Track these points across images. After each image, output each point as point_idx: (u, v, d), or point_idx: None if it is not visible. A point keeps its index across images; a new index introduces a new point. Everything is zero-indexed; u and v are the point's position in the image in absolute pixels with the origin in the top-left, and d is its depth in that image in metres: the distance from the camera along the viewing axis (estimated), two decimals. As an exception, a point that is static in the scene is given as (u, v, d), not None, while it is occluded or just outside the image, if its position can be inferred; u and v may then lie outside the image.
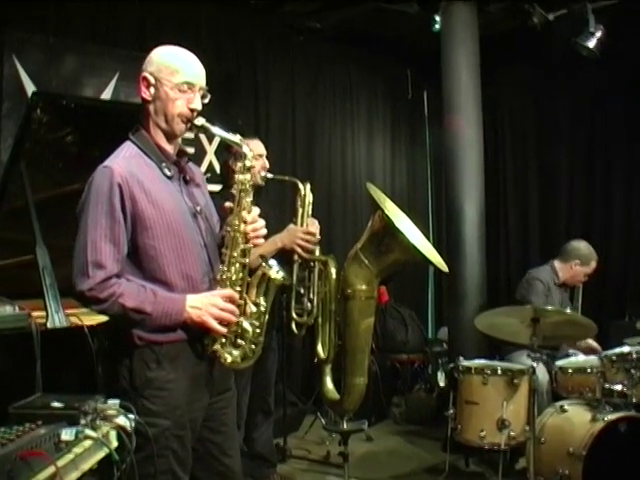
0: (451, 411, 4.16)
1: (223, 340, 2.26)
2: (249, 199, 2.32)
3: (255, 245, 2.33)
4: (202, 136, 5.28)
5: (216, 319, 2.20)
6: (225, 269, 2.28)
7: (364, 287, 3.08)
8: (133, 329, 2.17)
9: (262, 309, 2.34)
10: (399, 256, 3.01)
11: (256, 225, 2.33)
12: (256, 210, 2.35)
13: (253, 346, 2.32)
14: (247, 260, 2.30)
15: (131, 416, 2.01)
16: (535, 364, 3.59)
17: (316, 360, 3.30)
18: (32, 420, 1.81)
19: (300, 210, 3.46)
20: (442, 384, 5.71)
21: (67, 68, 4.81)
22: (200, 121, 2.28)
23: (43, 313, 2.83)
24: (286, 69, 6.45)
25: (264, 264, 2.37)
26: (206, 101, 2.31)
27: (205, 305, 2.19)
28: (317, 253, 3.40)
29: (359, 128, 7.15)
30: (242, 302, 2.29)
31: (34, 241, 2.93)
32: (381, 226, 2.99)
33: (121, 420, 1.99)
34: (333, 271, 3.26)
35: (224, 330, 2.23)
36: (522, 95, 7.10)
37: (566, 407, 3.91)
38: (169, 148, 2.31)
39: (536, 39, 5.90)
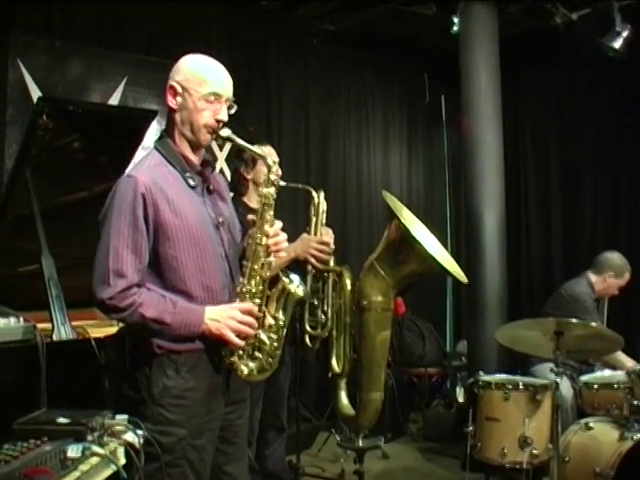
0: (470, 428, 4.13)
1: (240, 352, 2.32)
2: (272, 212, 2.39)
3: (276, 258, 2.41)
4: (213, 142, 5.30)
5: (234, 332, 2.26)
6: (245, 282, 2.34)
7: (380, 299, 3.07)
8: (152, 338, 2.24)
9: (281, 323, 2.39)
10: (416, 266, 3.00)
11: (278, 239, 2.39)
12: (278, 224, 2.42)
13: (270, 359, 2.38)
14: (268, 273, 2.37)
15: (139, 432, 2.02)
16: (559, 379, 3.56)
17: (330, 374, 3.29)
18: (37, 436, 1.82)
19: (314, 219, 3.45)
20: (461, 399, 5.68)
21: (73, 72, 4.84)
22: (226, 132, 2.36)
23: (49, 325, 2.84)
24: (299, 73, 6.47)
25: (285, 278, 2.42)
26: (232, 112, 2.38)
27: (224, 318, 2.26)
28: (331, 263, 3.39)
29: (375, 134, 7.15)
30: (261, 315, 2.36)
31: (40, 251, 2.94)
32: (397, 235, 2.98)
33: (129, 436, 2.00)
34: (348, 282, 3.25)
35: (242, 343, 2.29)
36: (544, 98, 7.06)
37: (592, 424, 3.87)
38: (194, 158, 2.39)
39: (559, 40, 5.87)
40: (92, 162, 3.16)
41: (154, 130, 5.19)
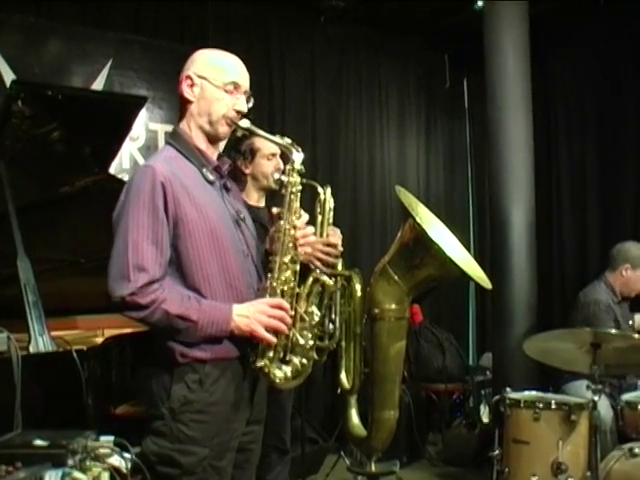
0: (497, 451, 4.11)
1: (271, 354, 2.35)
2: (298, 203, 2.52)
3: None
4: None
5: (265, 327, 2.30)
6: (275, 276, 2.40)
7: (394, 306, 3.06)
8: (174, 344, 2.27)
9: (316, 318, 2.49)
10: (434, 271, 2.99)
11: (307, 231, 2.53)
12: (305, 216, 2.54)
13: (305, 361, 2.44)
14: (297, 267, 2.46)
15: (127, 455, 2.01)
16: (596, 397, 3.55)
17: (339, 390, 3.28)
18: (10, 461, 1.81)
19: (320, 218, 3.42)
20: (486, 419, 5.67)
21: (52, 53, 4.85)
22: (245, 123, 2.45)
23: (25, 335, 2.84)
24: (305, 56, 6.48)
25: (317, 270, 2.55)
26: (250, 105, 2.48)
27: (253, 313, 2.30)
28: (339, 267, 3.37)
29: (389, 123, 7.15)
30: (292, 312, 2.41)
31: (15, 253, 2.94)
32: (413, 236, 2.97)
33: (115, 460, 1.99)
34: (358, 288, 3.23)
35: (274, 339, 2.33)
36: (580, 84, 7.03)
37: (636, 450, 3.83)
38: (210, 152, 2.48)
39: (599, 16, 5.83)
40: (74, 154, 3.16)
41: (143, 119, 5.26)
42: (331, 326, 3.31)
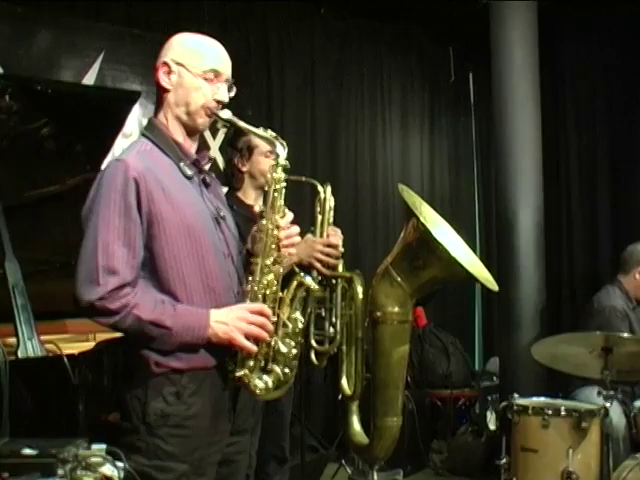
0: (504, 460, 4.11)
1: (251, 363, 2.29)
2: (282, 201, 2.42)
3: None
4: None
5: (245, 335, 2.24)
6: (257, 279, 2.33)
7: (397, 309, 3.05)
8: (149, 352, 2.21)
9: (299, 325, 2.42)
10: (439, 272, 2.98)
11: (291, 231, 2.44)
12: (290, 215, 2.46)
13: (287, 370, 2.37)
14: (281, 270, 2.38)
15: (120, 464, 2.01)
16: (608, 404, 3.54)
17: (340, 396, 3.28)
18: (-3, 471, 1.81)
19: (319, 217, 3.44)
20: (492, 427, 5.66)
21: (40, 46, 4.84)
22: (226, 114, 2.38)
23: (13, 340, 2.84)
24: (304, 49, 6.47)
25: (300, 273, 2.47)
26: (232, 94, 2.41)
27: (232, 319, 2.24)
28: (340, 269, 3.38)
29: (391, 119, 7.15)
30: (274, 318, 2.35)
31: (3, 254, 2.94)
32: (416, 236, 2.96)
33: (107, 469, 1.98)
34: (359, 290, 3.23)
35: (255, 347, 2.27)
36: (592, 77, 7.03)
37: (651, 460, 3.85)
38: (188, 145, 2.41)
39: (611, 5, 5.82)
40: (64, 151, 3.16)
41: (137, 114, 5.26)
42: (331, 329, 3.32)
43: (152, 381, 2.21)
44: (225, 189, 3.73)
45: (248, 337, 2.25)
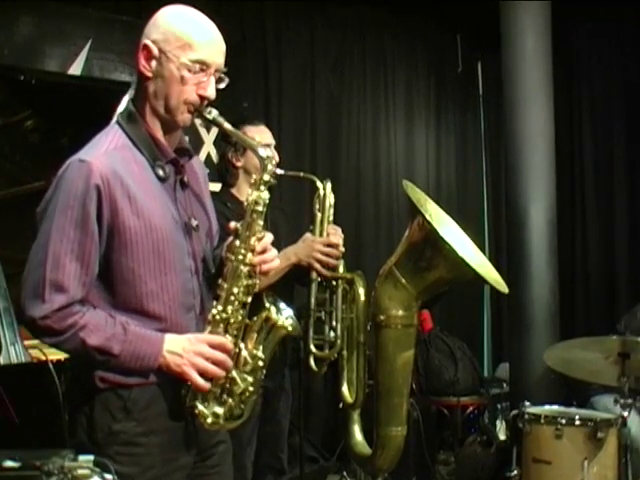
0: (515, 472, 4.11)
1: (205, 395, 2.22)
2: (261, 222, 2.27)
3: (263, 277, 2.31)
4: (197, 121, 5.31)
5: (199, 371, 2.16)
6: (220, 308, 2.24)
7: (401, 312, 3.06)
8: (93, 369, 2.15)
9: (259, 363, 2.29)
10: (445, 273, 2.99)
11: (266, 257, 2.29)
12: (269, 237, 2.31)
13: (242, 405, 2.28)
14: (249, 299, 2.27)
15: (108, 476, 2.00)
16: (626, 413, 3.54)
17: (341, 405, 3.28)
18: (-23, 484, 1.81)
19: (319, 215, 3.45)
20: (502, 436, 5.65)
21: (23, 33, 4.82)
22: (212, 114, 2.25)
23: (-5, 345, 2.84)
24: (303, 37, 6.47)
25: (271, 306, 2.33)
26: (222, 86, 2.27)
27: (187, 352, 2.16)
28: (341, 270, 3.39)
29: (395, 111, 7.14)
30: (236, 350, 2.26)
31: (-16, 254, 2.95)
32: (422, 235, 2.97)
33: (95, 482, 1.98)
34: (361, 292, 3.25)
35: (207, 386, 2.19)
36: (607, 65, 7.00)
37: (672, 472, 3.85)
38: (167, 142, 2.28)
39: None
40: (49, 145, 3.16)
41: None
42: (332, 334, 3.32)
43: (98, 396, 2.15)
44: (219, 186, 3.74)
45: (203, 374, 2.17)
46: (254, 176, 2.32)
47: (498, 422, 5.81)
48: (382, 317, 3.07)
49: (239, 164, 3.62)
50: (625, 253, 6.84)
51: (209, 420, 2.23)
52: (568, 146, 7.00)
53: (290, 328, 2.33)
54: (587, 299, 6.97)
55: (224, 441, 2.42)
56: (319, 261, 3.33)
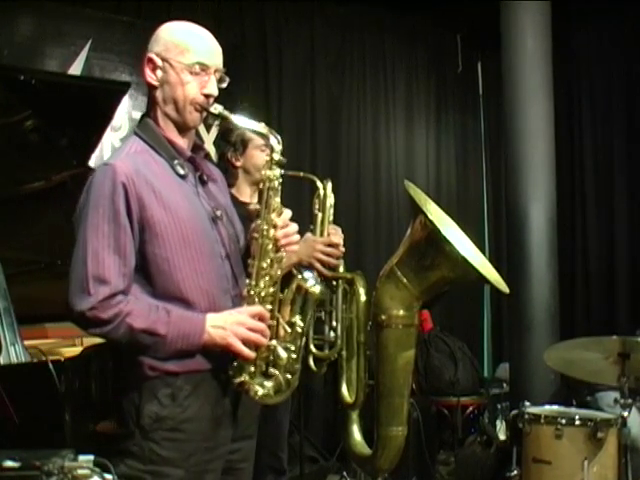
0: (515, 472, 4.11)
1: (252, 369, 2.33)
2: (278, 199, 2.45)
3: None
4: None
5: (243, 341, 2.27)
6: (253, 283, 2.37)
7: (402, 312, 3.05)
8: (143, 357, 2.25)
9: (298, 330, 2.43)
10: (447, 273, 2.98)
11: (288, 230, 2.46)
12: (287, 212, 2.49)
13: (289, 375, 2.40)
14: (279, 272, 2.41)
15: (108, 476, 2.01)
16: (626, 413, 3.54)
17: (341, 405, 3.28)
18: (-23, 484, 1.81)
19: (319, 215, 3.43)
20: (502, 436, 5.65)
21: (23, 33, 4.83)
22: (217, 108, 2.40)
23: (-5, 345, 2.84)
24: (303, 36, 6.47)
25: (299, 275, 2.49)
26: (224, 85, 2.43)
27: (230, 324, 2.28)
28: (341, 269, 3.38)
29: (395, 111, 7.14)
30: (274, 322, 2.39)
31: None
32: (424, 235, 2.96)
33: (95, 482, 1.98)
34: (362, 292, 3.24)
35: (253, 354, 2.30)
36: (608, 65, 7.00)
37: (673, 473, 3.85)
38: (182, 142, 2.44)
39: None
40: (49, 145, 3.16)
41: (126, 107, 5.25)
42: (332, 334, 3.31)
43: (146, 384, 2.26)
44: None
45: (246, 343, 2.28)
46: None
47: (498, 422, 5.80)
48: (383, 317, 3.07)
49: (238, 164, 3.63)
50: (625, 253, 6.84)
51: (260, 393, 2.35)
52: (568, 144, 7.01)
53: (318, 292, 2.49)
54: (587, 299, 6.97)
55: (253, 437, 2.57)
56: (319, 261, 3.32)
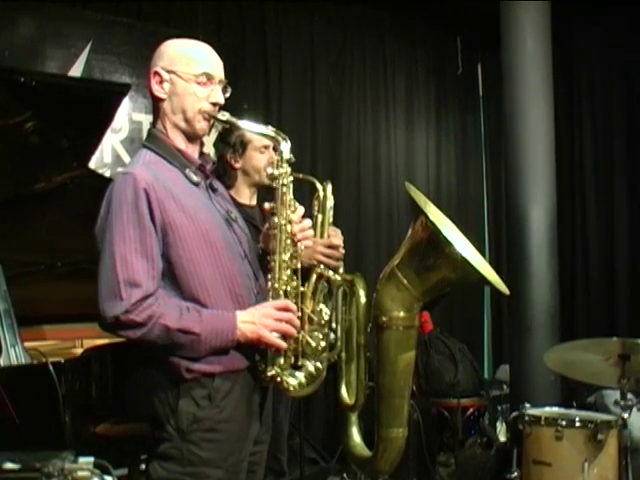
0: (515, 474, 4.11)
1: (281, 361, 2.40)
2: (291, 195, 2.53)
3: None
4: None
5: (273, 332, 2.35)
6: (276, 276, 2.46)
7: (402, 314, 3.05)
8: (179, 359, 2.29)
9: (325, 317, 2.57)
10: (447, 274, 2.98)
11: (304, 225, 2.56)
12: (301, 209, 2.56)
13: (318, 364, 2.50)
14: (299, 265, 2.52)
15: (108, 478, 2.00)
16: (626, 414, 3.54)
17: (341, 406, 3.28)
18: (-23, 487, 1.81)
19: (319, 217, 3.43)
20: (503, 438, 5.65)
21: (23, 35, 4.83)
22: (225, 115, 2.47)
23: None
24: (303, 38, 6.47)
25: (319, 265, 2.65)
26: (227, 95, 2.50)
27: (258, 318, 2.35)
28: (341, 271, 3.38)
29: (395, 113, 7.14)
30: (299, 314, 2.46)
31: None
32: (425, 236, 2.96)
33: (96, 484, 1.98)
34: (362, 293, 3.23)
35: (284, 344, 2.38)
36: (608, 66, 7.00)
37: (673, 474, 3.85)
38: (191, 151, 2.51)
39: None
40: (49, 147, 3.16)
41: (126, 108, 5.25)
42: (332, 335, 3.31)
43: (183, 386, 2.31)
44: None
45: (277, 333, 2.35)
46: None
47: (498, 424, 5.80)
48: (384, 318, 3.06)
49: (237, 165, 3.62)
50: (625, 253, 6.84)
51: (293, 384, 2.43)
52: (569, 146, 7.01)
53: (341, 280, 2.68)
54: (587, 300, 6.97)
55: (266, 442, 2.62)
56: (321, 262, 3.32)
